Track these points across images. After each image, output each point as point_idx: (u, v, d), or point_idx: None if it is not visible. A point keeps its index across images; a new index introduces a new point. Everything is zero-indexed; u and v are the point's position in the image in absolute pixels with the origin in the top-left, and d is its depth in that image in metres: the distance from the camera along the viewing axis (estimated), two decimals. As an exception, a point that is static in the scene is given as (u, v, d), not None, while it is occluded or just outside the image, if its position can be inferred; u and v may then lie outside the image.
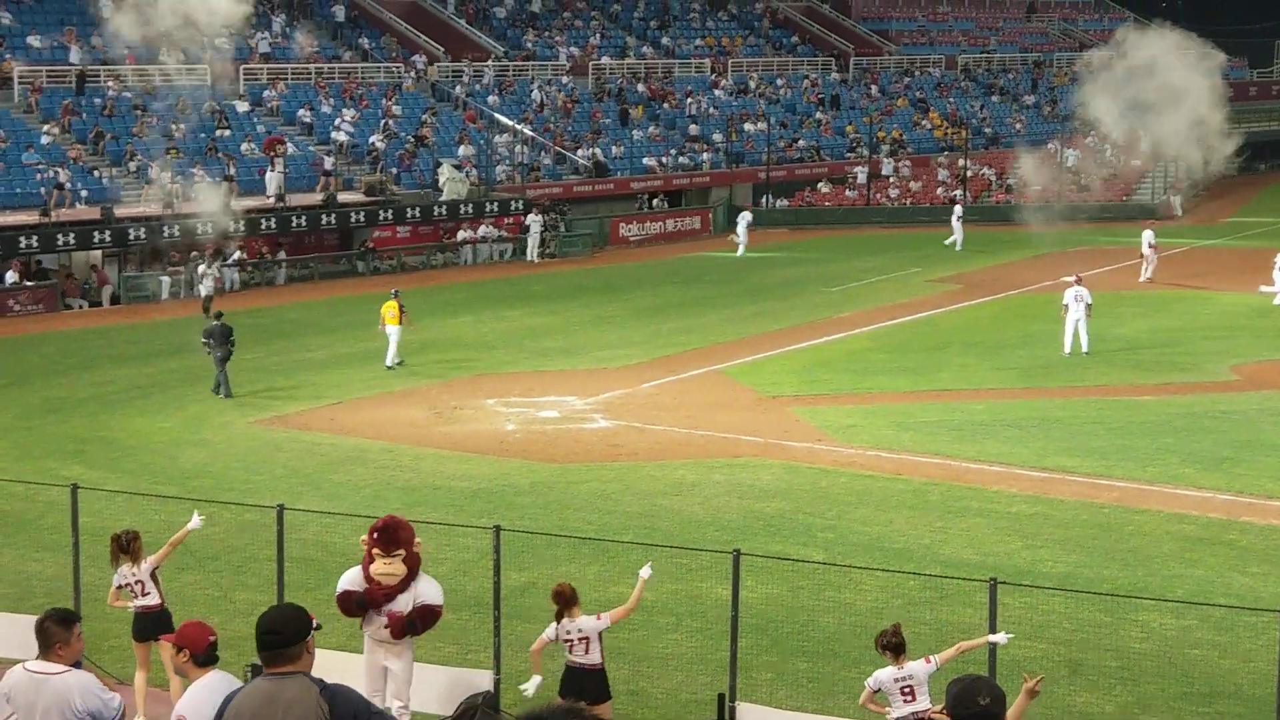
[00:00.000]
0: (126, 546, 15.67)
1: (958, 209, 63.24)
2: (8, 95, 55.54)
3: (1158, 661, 17.18)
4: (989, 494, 24.63)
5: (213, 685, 8.83)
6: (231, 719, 7.17)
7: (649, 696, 16.27)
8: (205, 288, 40.63)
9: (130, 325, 40.45)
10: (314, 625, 7.42)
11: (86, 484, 20.30)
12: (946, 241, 61.52)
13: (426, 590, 14.12)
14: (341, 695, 7.20)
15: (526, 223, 59.27)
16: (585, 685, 14.03)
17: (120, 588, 15.74)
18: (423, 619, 14.12)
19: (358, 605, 14.12)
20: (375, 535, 14.07)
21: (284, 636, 7.14)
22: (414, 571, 14.03)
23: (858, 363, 36.79)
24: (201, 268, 40.05)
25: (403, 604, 14.01)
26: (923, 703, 13.01)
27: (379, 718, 7.34)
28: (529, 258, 58.31)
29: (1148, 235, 50.38)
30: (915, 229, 68.12)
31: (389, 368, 35.98)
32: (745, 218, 62.12)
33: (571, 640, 14.15)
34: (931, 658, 13.20)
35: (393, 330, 36.03)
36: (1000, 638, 13.68)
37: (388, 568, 13.90)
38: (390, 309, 36.15)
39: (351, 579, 14.27)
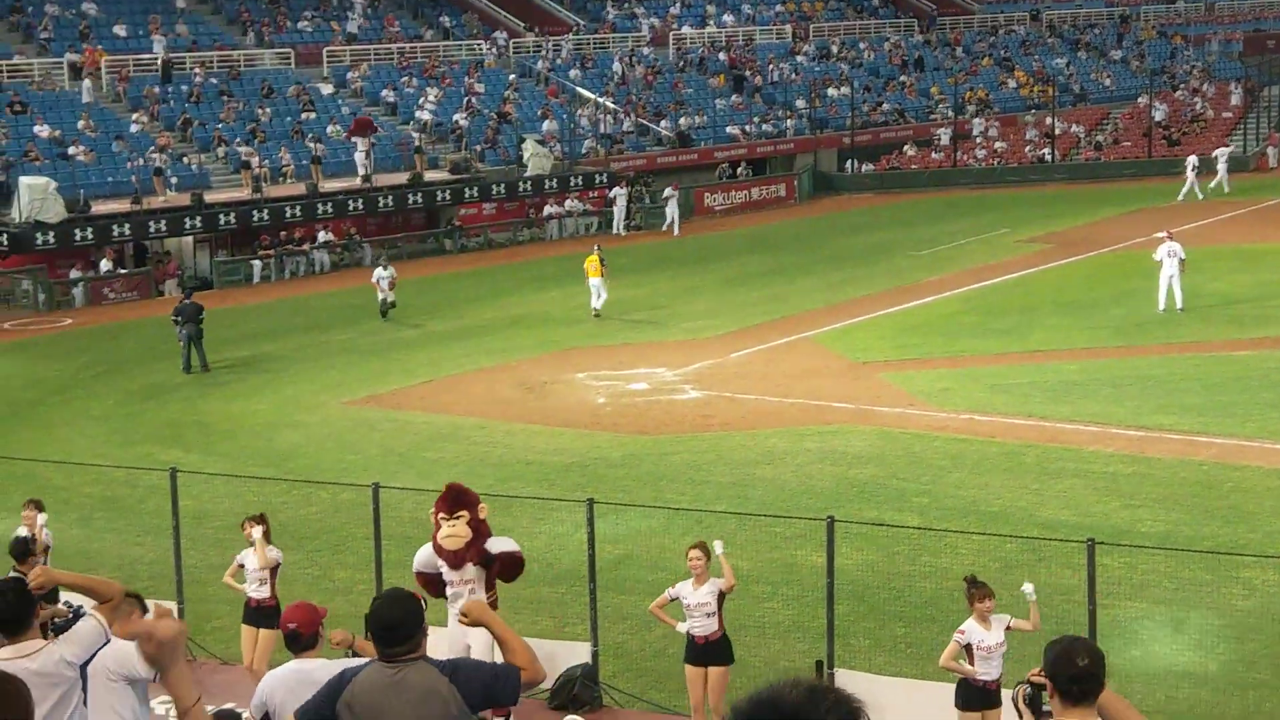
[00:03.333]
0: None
1: (1192, 159, 62.02)
2: (96, 85, 56.19)
3: (1261, 619, 16.98)
4: (1085, 454, 24.41)
5: (298, 670, 8.94)
6: (347, 709, 7.16)
7: (747, 665, 16.26)
8: (383, 290, 40.23)
9: (224, 310, 40.89)
10: (424, 606, 7.40)
11: (185, 468, 20.59)
12: (1183, 196, 60.31)
13: (500, 542, 14.18)
14: (465, 672, 7.17)
15: (611, 195, 59.26)
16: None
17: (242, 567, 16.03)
18: (505, 566, 14.15)
19: (434, 583, 14.25)
20: (439, 501, 14.25)
21: (404, 631, 7.12)
22: (481, 537, 14.08)
23: (948, 326, 36.52)
24: (378, 270, 39.89)
25: (471, 572, 14.07)
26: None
27: (504, 674, 7.25)
28: (615, 230, 58.30)
29: None
30: (1004, 189, 67.42)
31: (596, 314, 39.35)
32: (1191, 161, 61.83)
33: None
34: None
35: (595, 282, 39.58)
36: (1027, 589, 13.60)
37: (451, 530, 14.02)
38: (592, 262, 39.73)
39: (423, 559, 14.36)
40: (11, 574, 14.88)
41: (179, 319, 34.36)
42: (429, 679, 7.04)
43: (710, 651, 14.32)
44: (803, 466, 24.42)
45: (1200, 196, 59.08)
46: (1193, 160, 61.45)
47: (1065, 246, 49.16)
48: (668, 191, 59.27)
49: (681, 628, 14.45)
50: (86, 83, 55.22)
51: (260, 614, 15.93)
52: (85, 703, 8.96)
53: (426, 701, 7.00)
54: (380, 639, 7.17)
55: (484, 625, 7.55)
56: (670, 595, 14.45)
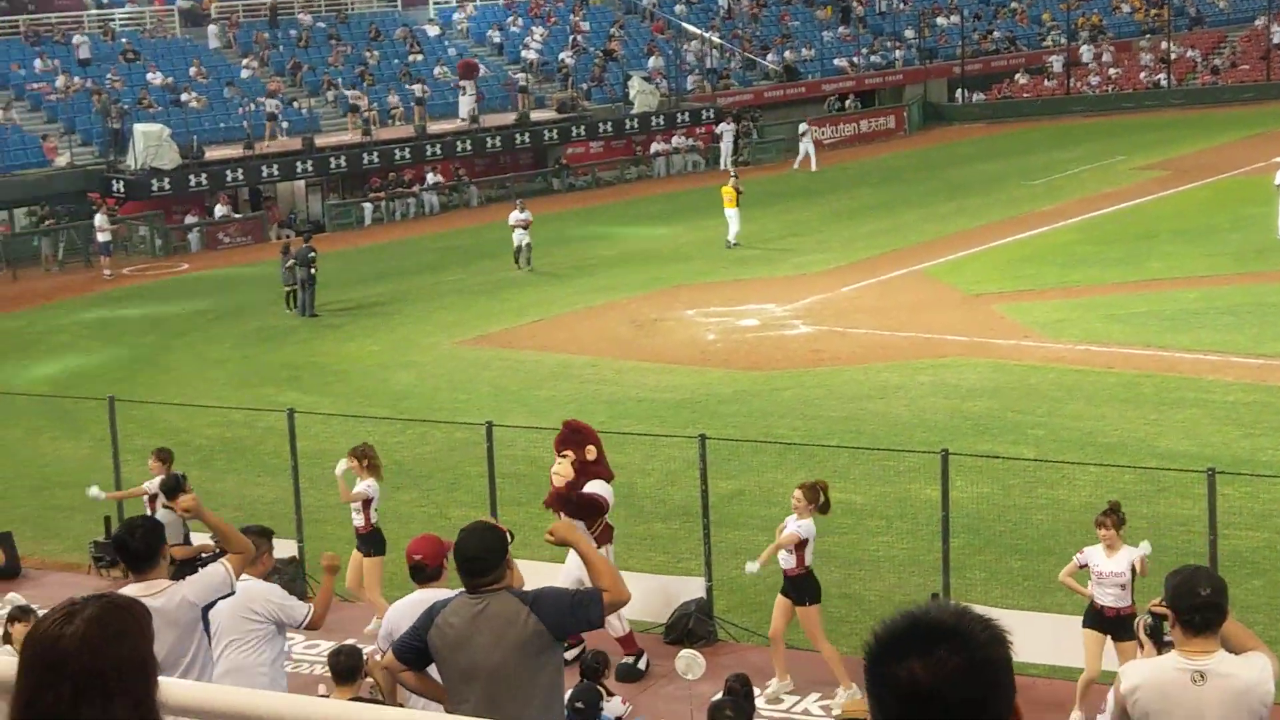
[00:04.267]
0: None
1: None
2: (206, 33, 56.72)
3: (1388, 549, 16.66)
4: (1204, 383, 24.04)
5: (423, 600, 9.10)
6: (438, 635, 7.31)
7: (861, 599, 16.26)
8: (518, 237, 38.71)
9: (336, 253, 41.27)
10: (509, 539, 7.54)
11: (302, 408, 20.83)
12: None
13: (594, 484, 14.31)
14: (546, 600, 7.31)
15: (718, 131, 58.95)
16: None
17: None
18: (580, 502, 14.29)
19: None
20: (556, 437, 14.47)
21: (486, 563, 7.26)
22: (585, 478, 14.20)
23: (1063, 256, 36.03)
24: (514, 213, 39.45)
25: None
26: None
27: (586, 600, 7.36)
28: (723, 166, 57.98)
29: None
30: (1118, 116, 66.23)
31: (733, 245, 39.53)
32: None
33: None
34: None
35: (731, 213, 39.68)
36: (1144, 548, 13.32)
37: (557, 468, 14.26)
38: (728, 193, 39.82)
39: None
40: (162, 509, 15.46)
41: (293, 261, 34.70)
42: (510, 608, 7.19)
43: (791, 588, 14.24)
44: (916, 400, 24.27)
45: None
46: None
47: (1182, 173, 48.27)
48: (803, 127, 58.68)
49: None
50: (213, 28, 55.89)
51: (360, 540, 16.36)
52: (210, 643, 9.16)
53: (508, 631, 7.15)
54: (464, 569, 7.33)
55: (570, 545, 7.62)
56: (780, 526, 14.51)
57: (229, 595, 9.33)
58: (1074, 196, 45.16)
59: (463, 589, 7.35)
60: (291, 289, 34.92)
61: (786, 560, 14.19)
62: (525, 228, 38.69)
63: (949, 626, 2.94)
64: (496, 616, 7.16)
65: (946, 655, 2.89)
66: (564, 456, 14.29)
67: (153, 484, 17.12)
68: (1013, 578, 16.66)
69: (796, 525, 14.10)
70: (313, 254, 34.52)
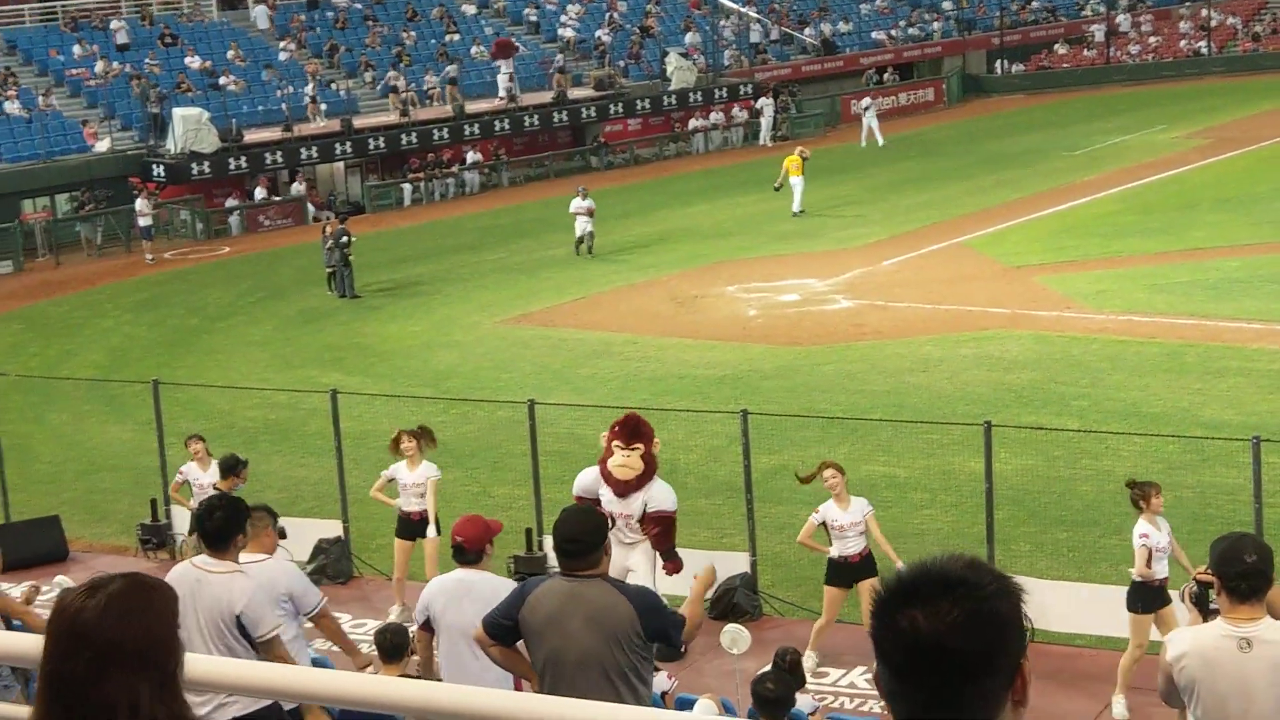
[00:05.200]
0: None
1: None
2: (244, 15, 56.93)
3: None
4: (1248, 352, 23.91)
5: (461, 580, 9.32)
6: (530, 613, 7.37)
7: (906, 572, 16.22)
8: (581, 225, 37.92)
9: (376, 234, 41.38)
10: (610, 526, 7.62)
11: (345, 390, 20.92)
12: None
13: (659, 495, 14.13)
14: (644, 598, 7.50)
15: (757, 106, 58.78)
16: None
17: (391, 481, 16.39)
18: (659, 524, 14.21)
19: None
20: (616, 429, 14.22)
21: (585, 544, 7.31)
22: (650, 472, 14.12)
23: (1105, 226, 35.83)
24: (575, 200, 39.04)
25: (634, 506, 14.04)
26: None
27: (676, 620, 7.56)
28: (761, 141, 57.88)
29: None
30: (1159, 84, 65.75)
31: (796, 213, 40.15)
32: None
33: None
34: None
35: (796, 181, 40.36)
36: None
37: (625, 461, 13.98)
38: (793, 162, 40.63)
39: (584, 484, 14.30)
40: (212, 489, 15.63)
41: (331, 243, 34.85)
42: (607, 595, 7.28)
43: (860, 570, 14.26)
44: (958, 373, 24.21)
45: None
46: None
47: (1224, 141, 47.91)
48: (865, 102, 58.34)
49: (834, 552, 14.36)
50: (261, 8, 56.04)
51: (424, 525, 16.23)
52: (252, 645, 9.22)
53: (604, 615, 7.22)
54: (562, 551, 7.41)
55: (697, 589, 8.08)
56: (816, 520, 14.36)
57: (283, 615, 9.48)
58: (1115, 166, 44.90)
59: (548, 573, 7.45)
60: (332, 271, 35.05)
61: (860, 543, 14.21)
62: (589, 215, 37.81)
63: (956, 577, 2.89)
64: (592, 602, 7.24)
65: (950, 606, 2.84)
66: (634, 449, 14.11)
67: (189, 470, 17.27)
68: (1058, 549, 16.63)
69: (869, 505, 14.24)
70: (345, 236, 34.58)
